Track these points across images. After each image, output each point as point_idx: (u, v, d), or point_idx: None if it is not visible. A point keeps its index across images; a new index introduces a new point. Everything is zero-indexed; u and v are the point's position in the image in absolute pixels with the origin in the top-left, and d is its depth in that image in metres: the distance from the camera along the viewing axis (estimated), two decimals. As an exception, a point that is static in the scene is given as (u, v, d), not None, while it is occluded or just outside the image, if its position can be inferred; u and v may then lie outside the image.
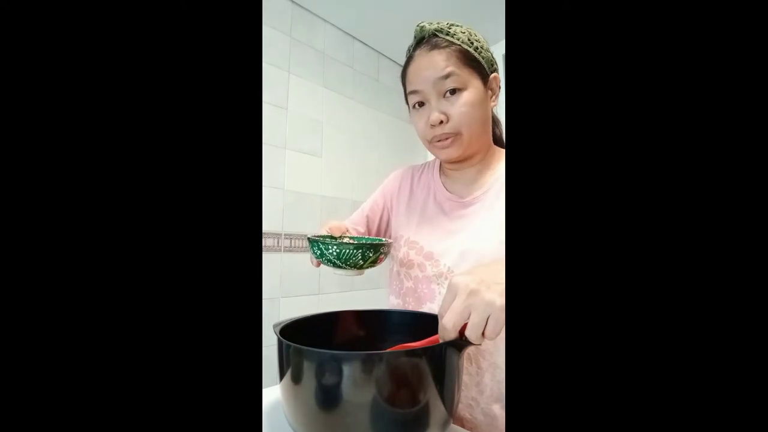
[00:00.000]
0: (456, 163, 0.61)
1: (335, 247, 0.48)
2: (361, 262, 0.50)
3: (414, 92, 0.56)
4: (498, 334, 0.33)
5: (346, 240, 0.54)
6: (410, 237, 0.63)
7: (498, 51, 1.77)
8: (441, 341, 0.36)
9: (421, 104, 0.57)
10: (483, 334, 0.33)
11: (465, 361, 0.55)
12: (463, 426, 0.55)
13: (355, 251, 0.48)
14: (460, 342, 0.35)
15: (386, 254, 0.53)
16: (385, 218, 0.72)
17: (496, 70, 0.59)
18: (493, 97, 0.59)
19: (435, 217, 0.63)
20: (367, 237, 0.65)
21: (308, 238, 0.51)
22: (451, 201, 0.63)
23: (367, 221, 0.71)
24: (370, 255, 0.50)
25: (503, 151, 0.64)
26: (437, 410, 0.34)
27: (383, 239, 0.55)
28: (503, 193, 0.58)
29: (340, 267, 0.50)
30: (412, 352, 0.33)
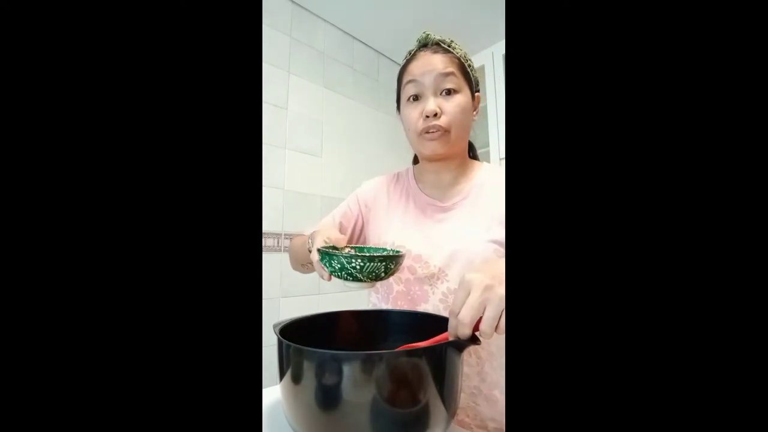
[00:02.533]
0: (437, 162, 0.64)
1: (359, 260, 0.46)
2: (383, 274, 0.48)
3: (412, 82, 0.59)
4: None
5: (366, 253, 0.52)
6: (395, 241, 0.64)
7: (498, 51, 1.77)
8: (453, 338, 0.36)
9: (416, 98, 0.60)
10: (496, 328, 0.33)
11: (465, 354, 0.55)
12: (465, 414, 0.57)
13: (379, 264, 0.46)
14: (461, 342, 0.35)
15: (401, 265, 0.52)
16: (359, 226, 0.73)
17: (479, 91, 0.65)
18: (475, 113, 0.64)
19: (417, 221, 0.65)
20: (373, 247, 0.63)
21: (321, 251, 0.48)
22: (432, 205, 0.65)
23: (340, 228, 0.72)
24: (392, 267, 0.48)
25: (478, 163, 0.70)
26: (437, 410, 0.34)
27: (399, 251, 0.54)
28: (481, 199, 0.62)
29: (360, 281, 0.47)
30: (412, 352, 0.33)
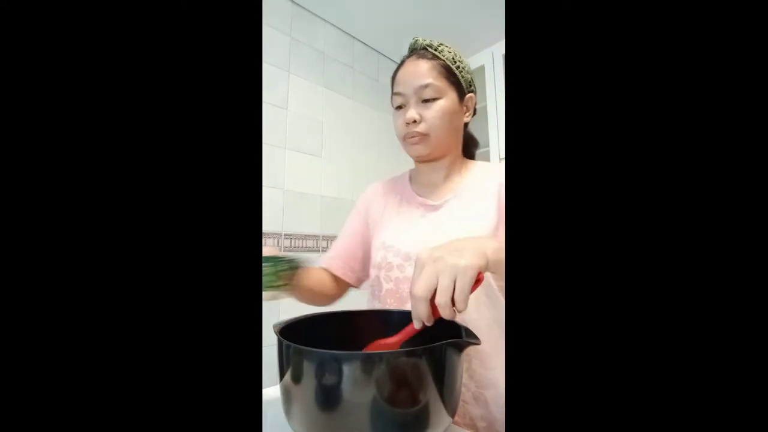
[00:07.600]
0: (426, 163, 0.68)
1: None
2: (276, 280, 0.53)
3: (397, 94, 0.64)
4: (466, 297, 0.34)
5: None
6: (386, 241, 0.66)
7: (498, 51, 1.77)
8: (418, 324, 0.37)
9: (401, 107, 0.64)
10: (453, 301, 0.34)
11: None
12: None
13: (269, 268, 0.52)
14: (460, 341, 0.35)
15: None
16: (368, 236, 0.75)
17: (473, 92, 0.67)
18: (467, 114, 0.67)
19: (408, 220, 0.67)
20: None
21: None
22: (423, 205, 0.67)
23: (351, 245, 0.76)
24: (282, 271, 0.54)
25: (475, 163, 0.71)
26: (437, 410, 0.34)
27: (293, 259, 0.58)
28: (471, 197, 0.64)
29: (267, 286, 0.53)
30: (412, 352, 0.33)
